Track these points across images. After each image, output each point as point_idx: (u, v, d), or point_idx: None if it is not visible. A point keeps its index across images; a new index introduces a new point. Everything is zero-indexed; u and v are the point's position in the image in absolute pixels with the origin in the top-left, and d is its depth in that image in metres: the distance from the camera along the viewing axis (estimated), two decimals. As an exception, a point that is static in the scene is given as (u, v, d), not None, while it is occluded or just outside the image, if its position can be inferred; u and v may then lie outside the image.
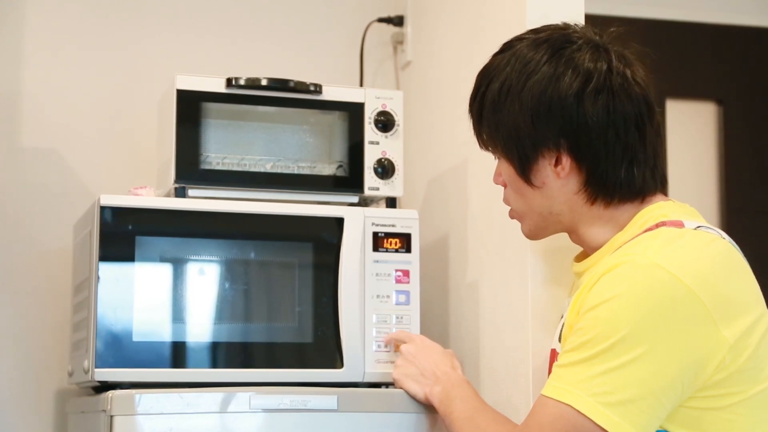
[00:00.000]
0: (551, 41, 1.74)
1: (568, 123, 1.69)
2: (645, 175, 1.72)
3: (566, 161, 1.71)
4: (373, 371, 2.09)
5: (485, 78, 1.78)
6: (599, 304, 1.57)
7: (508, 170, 1.77)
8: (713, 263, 1.60)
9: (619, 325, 1.54)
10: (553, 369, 1.63)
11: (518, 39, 1.78)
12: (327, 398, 1.96)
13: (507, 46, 1.78)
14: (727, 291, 1.58)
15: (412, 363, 1.99)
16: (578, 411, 1.54)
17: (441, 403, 1.88)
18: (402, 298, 2.13)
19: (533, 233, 1.82)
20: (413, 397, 1.96)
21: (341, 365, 2.09)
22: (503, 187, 1.83)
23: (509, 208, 1.84)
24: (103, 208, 2.02)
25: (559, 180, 1.73)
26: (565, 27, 1.78)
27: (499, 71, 1.75)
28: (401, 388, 1.98)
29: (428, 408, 1.96)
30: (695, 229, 1.64)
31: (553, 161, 1.72)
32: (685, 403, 1.57)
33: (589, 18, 1.98)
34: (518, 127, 1.71)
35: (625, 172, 1.70)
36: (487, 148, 1.82)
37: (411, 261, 2.15)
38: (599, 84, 1.69)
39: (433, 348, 2.01)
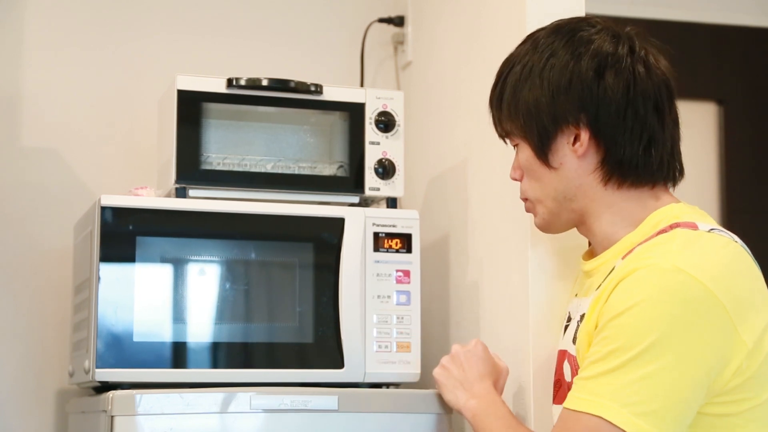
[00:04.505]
0: (570, 25, 1.77)
1: (587, 97, 1.70)
2: (662, 159, 1.72)
3: (585, 137, 1.71)
4: (374, 371, 2.09)
5: (507, 65, 1.80)
6: (623, 311, 1.56)
7: (526, 154, 1.77)
8: (730, 266, 1.59)
9: (645, 333, 1.53)
10: (577, 381, 1.61)
11: (539, 30, 1.80)
12: (327, 398, 1.96)
13: (528, 37, 1.80)
14: (743, 294, 1.57)
15: (455, 367, 1.91)
16: (611, 423, 1.52)
17: (474, 417, 1.83)
18: (403, 298, 2.13)
19: (546, 222, 1.81)
20: (447, 403, 1.93)
21: (342, 365, 2.08)
22: (519, 181, 1.83)
23: (519, 203, 1.84)
24: (103, 209, 2.02)
25: (576, 159, 1.73)
26: (587, 17, 1.81)
27: (521, 57, 1.77)
28: (438, 390, 1.95)
29: (428, 409, 1.96)
30: (709, 231, 1.64)
31: (572, 139, 1.72)
32: (702, 408, 1.56)
33: (589, 18, 1.98)
34: (538, 103, 1.72)
35: (642, 152, 1.71)
36: (506, 137, 1.82)
37: (411, 261, 2.15)
38: (620, 62, 1.71)
39: (484, 358, 1.91)
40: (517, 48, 1.81)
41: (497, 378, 1.90)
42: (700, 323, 1.53)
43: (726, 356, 1.54)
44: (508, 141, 1.84)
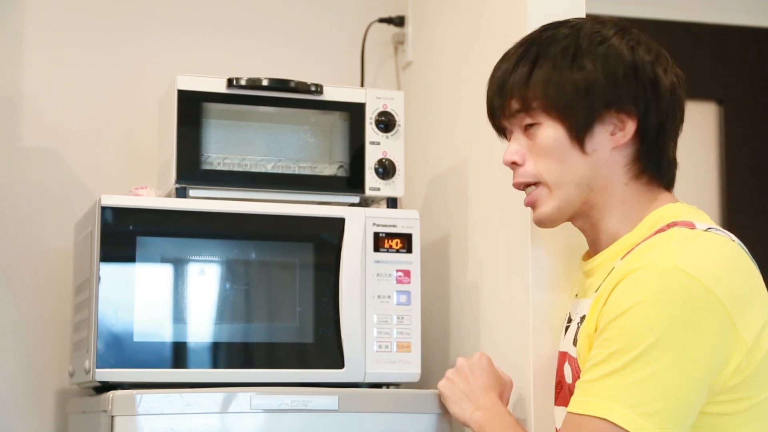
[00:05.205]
0: (614, 21, 1.76)
1: (643, 87, 1.70)
2: (671, 162, 1.75)
3: (631, 128, 1.70)
4: (374, 371, 2.09)
5: (532, 45, 1.74)
6: (623, 312, 1.55)
7: (554, 135, 1.71)
8: (728, 265, 1.60)
9: (646, 333, 1.53)
10: (579, 385, 1.61)
11: (561, 21, 1.77)
12: (328, 398, 1.96)
13: (555, 23, 1.76)
14: (742, 292, 1.57)
15: (460, 380, 1.91)
16: (616, 424, 1.52)
17: (481, 429, 1.83)
18: (403, 298, 2.13)
19: (559, 210, 1.75)
20: (453, 416, 1.93)
21: (342, 365, 2.08)
22: (518, 165, 1.76)
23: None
24: (104, 209, 2.02)
25: (610, 149, 1.71)
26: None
27: (557, 40, 1.72)
28: (444, 403, 1.95)
29: (428, 409, 1.96)
30: (706, 230, 1.64)
31: (612, 128, 1.71)
32: (702, 407, 1.56)
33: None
34: (590, 85, 1.69)
35: (672, 152, 1.74)
36: (522, 116, 1.74)
37: (412, 261, 2.15)
38: (668, 61, 1.74)
39: (489, 371, 1.91)
40: (540, 32, 1.75)
41: (502, 390, 1.90)
42: (699, 322, 1.53)
43: (726, 354, 1.55)
44: (507, 125, 1.78)
